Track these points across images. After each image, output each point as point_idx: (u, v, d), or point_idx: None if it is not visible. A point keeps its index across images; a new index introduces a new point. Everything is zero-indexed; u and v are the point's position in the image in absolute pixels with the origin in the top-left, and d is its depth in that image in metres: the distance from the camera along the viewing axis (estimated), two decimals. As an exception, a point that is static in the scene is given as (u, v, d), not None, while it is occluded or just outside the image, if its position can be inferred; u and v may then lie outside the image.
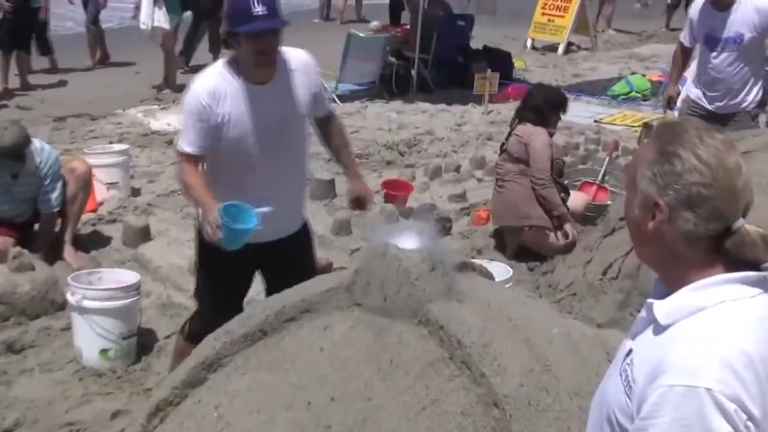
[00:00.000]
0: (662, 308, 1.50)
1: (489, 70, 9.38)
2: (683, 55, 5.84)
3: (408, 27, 11.20)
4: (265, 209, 3.11)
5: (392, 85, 10.23)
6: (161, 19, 9.48)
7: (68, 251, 5.09)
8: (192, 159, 3.24)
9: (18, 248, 4.71)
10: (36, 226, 5.13)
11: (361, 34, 10.34)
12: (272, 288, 3.33)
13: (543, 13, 13.70)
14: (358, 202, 3.55)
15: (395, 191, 6.28)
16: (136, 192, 6.46)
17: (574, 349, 2.23)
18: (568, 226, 5.21)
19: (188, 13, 10.66)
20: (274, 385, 2.18)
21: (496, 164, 5.73)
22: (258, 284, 3.61)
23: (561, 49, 13.50)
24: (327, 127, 3.52)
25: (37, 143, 5.02)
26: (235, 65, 3.20)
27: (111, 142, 7.42)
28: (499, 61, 10.71)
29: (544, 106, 5.36)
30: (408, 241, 2.27)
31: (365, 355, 2.15)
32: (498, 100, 9.53)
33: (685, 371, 1.40)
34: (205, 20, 10.59)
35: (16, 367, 4.07)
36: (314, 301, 2.32)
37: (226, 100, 3.16)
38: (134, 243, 5.44)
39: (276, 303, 2.39)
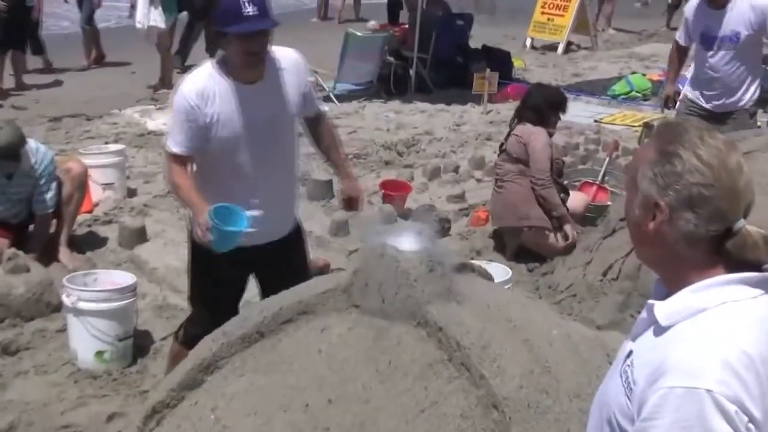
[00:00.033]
0: (663, 309, 1.50)
1: (488, 70, 9.37)
2: (679, 55, 5.83)
3: (406, 26, 11.20)
4: (255, 212, 3.10)
5: (390, 84, 10.23)
6: (157, 18, 9.50)
7: (63, 252, 5.08)
8: (180, 159, 3.23)
9: (13, 249, 4.69)
10: (31, 227, 5.11)
11: (359, 34, 10.33)
12: (266, 291, 3.32)
13: (542, 12, 13.70)
14: (350, 202, 3.54)
15: (393, 192, 6.26)
16: (132, 193, 6.44)
17: (574, 350, 2.22)
18: (567, 227, 5.21)
19: (184, 14, 10.66)
20: (271, 387, 2.17)
21: (495, 164, 5.72)
22: (255, 287, 3.59)
23: (561, 48, 13.50)
24: (317, 127, 3.51)
25: (32, 143, 5.01)
26: (224, 65, 3.19)
27: (107, 143, 7.41)
28: (499, 60, 10.70)
29: (543, 105, 5.36)
30: (406, 242, 2.26)
31: (363, 357, 2.14)
32: (497, 100, 9.52)
33: (685, 372, 1.39)
34: (200, 20, 10.58)
35: (10, 369, 4.05)
36: (312, 302, 2.31)
37: (215, 100, 3.15)
38: (130, 244, 5.42)
39: (273, 305, 2.38)
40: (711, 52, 5.42)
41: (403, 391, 2.06)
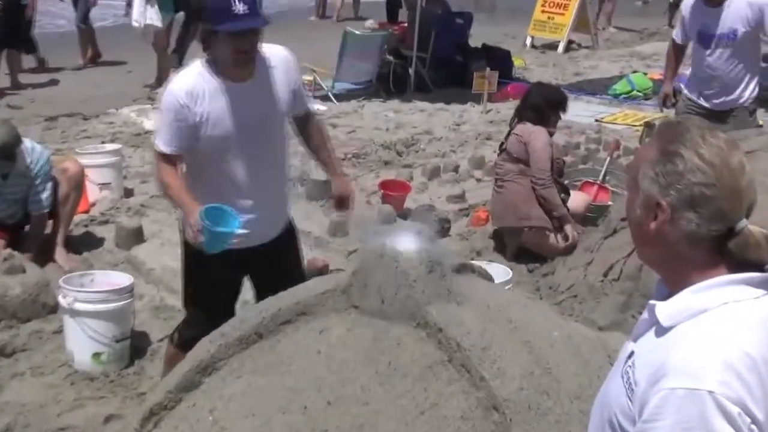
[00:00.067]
0: (664, 310, 1.49)
1: (488, 69, 9.35)
2: (676, 53, 5.82)
3: (405, 25, 11.20)
4: (246, 217, 3.08)
5: (390, 84, 10.22)
6: (153, 16, 9.50)
7: (60, 253, 5.06)
8: (169, 159, 3.21)
9: (9, 250, 4.68)
10: (27, 228, 5.10)
11: (358, 32, 10.32)
12: (261, 291, 3.31)
13: (543, 11, 13.69)
14: (341, 202, 3.53)
15: (393, 192, 6.25)
16: (128, 193, 6.41)
17: (575, 351, 2.21)
18: (568, 228, 5.19)
19: (181, 13, 10.65)
20: (269, 388, 2.16)
21: (495, 164, 5.71)
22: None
23: (561, 47, 13.49)
24: (306, 126, 3.49)
25: (27, 143, 4.99)
26: (213, 64, 3.17)
27: (103, 142, 7.38)
28: (499, 59, 10.68)
29: (543, 105, 5.34)
30: (406, 242, 2.25)
31: (362, 358, 2.13)
32: (497, 99, 9.50)
33: (687, 374, 1.39)
34: (197, 20, 10.54)
35: (7, 371, 4.04)
36: (310, 303, 2.30)
37: (205, 99, 3.13)
38: (127, 244, 5.41)
39: (271, 306, 2.37)
40: (709, 51, 5.40)
41: (402, 392, 2.05)
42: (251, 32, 3.08)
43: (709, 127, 1.55)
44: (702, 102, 5.52)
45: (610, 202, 5.78)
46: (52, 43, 11.25)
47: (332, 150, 3.67)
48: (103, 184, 6.15)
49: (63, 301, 4.07)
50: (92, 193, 5.98)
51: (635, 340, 1.55)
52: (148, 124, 8.39)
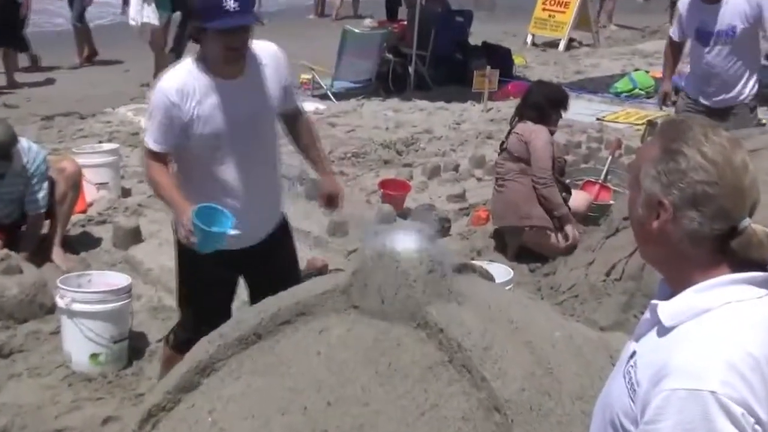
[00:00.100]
0: (666, 310, 1.49)
1: (488, 67, 9.33)
2: (673, 51, 5.82)
3: (405, 23, 11.20)
4: (238, 216, 3.06)
5: (389, 82, 10.22)
6: (150, 15, 9.51)
7: (57, 253, 5.05)
8: (160, 157, 3.20)
9: (5, 250, 4.67)
10: (23, 227, 5.09)
11: (357, 31, 10.32)
12: (256, 290, 3.28)
13: (543, 9, 13.68)
14: (329, 200, 3.51)
15: (393, 191, 6.23)
16: (126, 192, 6.39)
17: (576, 352, 2.20)
18: (568, 228, 5.18)
19: (178, 13, 10.64)
20: (269, 389, 2.15)
21: (496, 163, 5.70)
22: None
23: (562, 45, 13.49)
24: (295, 124, 3.47)
25: (24, 142, 4.98)
26: (203, 61, 3.15)
27: (100, 142, 7.36)
28: (499, 57, 10.65)
29: (544, 103, 5.33)
30: (406, 242, 2.23)
31: (362, 359, 2.12)
32: (498, 98, 9.49)
33: (689, 374, 1.38)
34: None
35: (3, 371, 4.02)
36: (310, 303, 2.29)
37: (195, 97, 3.11)
38: (125, 244, 5.39)
39: (270, 306, 2.35)
40: (707, 48, 5.39)
41: (403, 393, 2.04)
42: (242, 29, 3.06)
43: (712, 126, 1.54)
44: (702, 100, 5.51)
45: (611, 202, 5.77)
46: (50, 42, 11.25)
47: (322, 148, 3.66)
48: (100, 183, 6.13)
49: (60, 302, 4.05)
50: (89, 192, 5.96)
51: (637, 340, 1.55)
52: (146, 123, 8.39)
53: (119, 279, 4.26)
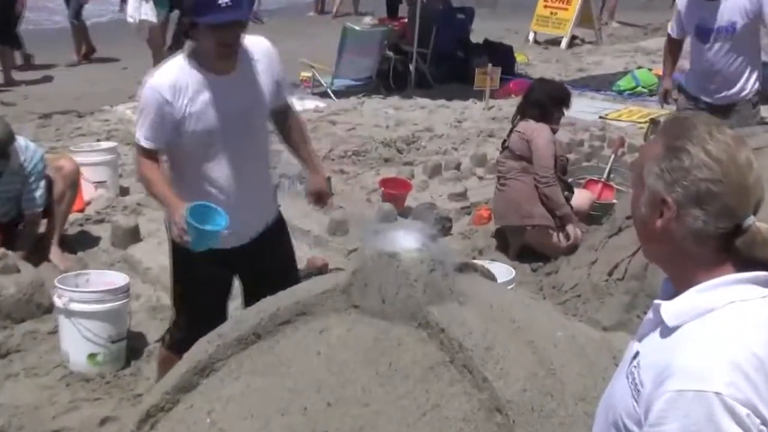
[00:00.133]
0: (669, 309, 1.48)
1: (490, 65, 9.32)
2: (672, 48, 5.80)
3: (406, 20, 11.19)
4: (232, 213, 3.04)
5: (390, 80, 10.21)
6: (148, 12, 9.52)
7: (55, 252, 5.04)
8: (151, 154, 3.19)
9: (2, 249, 4.66)
10: (20, 226, 5.08)
11: (358, 28, 10.30)
12: (254, 288, 3.24)
13: (545, 6, 13.66)
14: (318, 197, 3.50)
15: (393, 190, 6.22)
16: (124, 191, 6.38)
17: (579, 352, 2.19)
18: (570, 227, 5.18)
19: (177, 11, 10.66)
20: (268, 389, 2.14)
21: (497, 162, 5.69)
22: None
23: (564, 42, 13.46)
24: (285, 122, 3.45)
25: (21, 141, 4.97)
26: (195, 57, 3.13)
27: (98, 140, 7.35)
28: (501, 55, 10.63)
29: (546, 101, 5.32)
30: (407, 241, 2.22)
31: (363, 359, 2.11)
32: (499, 96, 9.48)
33: (692, 375, 1.37)
34: None
35: (1, 372, 4.02)
36: (310, 303, 2.28)
37: (188, 93, 3.10)
38: (123, 244, 5.38)
39: (270, 306, 2.35)
40: (707, 45, 5.36)
41: (403, 394, 2.03)
42: (235, 24, 3.05)
43: (716, 124, 1.53)
44: (703, 97, 5.49)
45: (614, 200, 5.77)
46: (49, 39, 11.24)
47: (311, 145, 3.65)
48: (98, 182, 6.12)
49: (58, 301, 4.04)
50: (87, 191, 5.94)
51: (640, 340, 1.54)
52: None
53: (117, 278, 4.25)
